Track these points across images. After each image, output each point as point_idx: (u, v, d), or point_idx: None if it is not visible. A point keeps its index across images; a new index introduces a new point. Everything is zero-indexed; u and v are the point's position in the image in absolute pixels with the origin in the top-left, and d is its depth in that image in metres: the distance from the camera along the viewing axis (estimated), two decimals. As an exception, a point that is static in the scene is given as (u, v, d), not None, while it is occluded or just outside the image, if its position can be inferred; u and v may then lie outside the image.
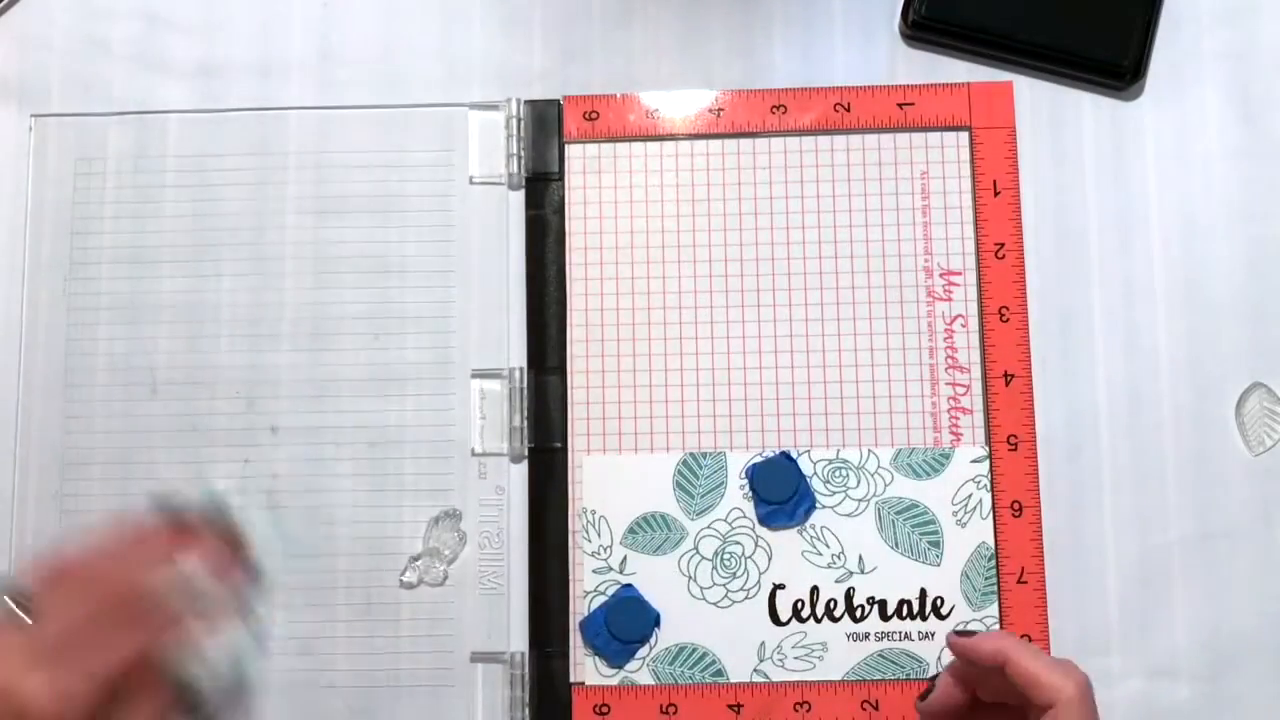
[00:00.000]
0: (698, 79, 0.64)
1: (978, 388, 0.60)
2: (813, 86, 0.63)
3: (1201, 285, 0.62)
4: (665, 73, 0.64)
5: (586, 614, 0.59)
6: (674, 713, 0.58)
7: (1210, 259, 0.62)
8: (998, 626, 0.59)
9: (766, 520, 0.59)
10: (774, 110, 0.63)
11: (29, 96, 0.65)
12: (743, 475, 0.59)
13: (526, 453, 0.61)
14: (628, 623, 0.58)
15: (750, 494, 0.59)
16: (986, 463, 0.59)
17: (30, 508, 0.62)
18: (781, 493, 0.59)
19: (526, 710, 0.59)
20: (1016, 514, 0.59)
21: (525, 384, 0.61)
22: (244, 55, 0.65)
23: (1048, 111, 0.63)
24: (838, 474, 0.60)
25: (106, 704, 0.43)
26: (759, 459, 0.59)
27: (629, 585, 0.59)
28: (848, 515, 0.59)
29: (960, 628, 0.58)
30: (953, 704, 0.51)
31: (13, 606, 0.45)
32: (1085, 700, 0.48)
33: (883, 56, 0.64)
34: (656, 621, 0.59)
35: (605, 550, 0.60)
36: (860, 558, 0.59)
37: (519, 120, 0.63)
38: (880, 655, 0.58)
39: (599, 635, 0.59)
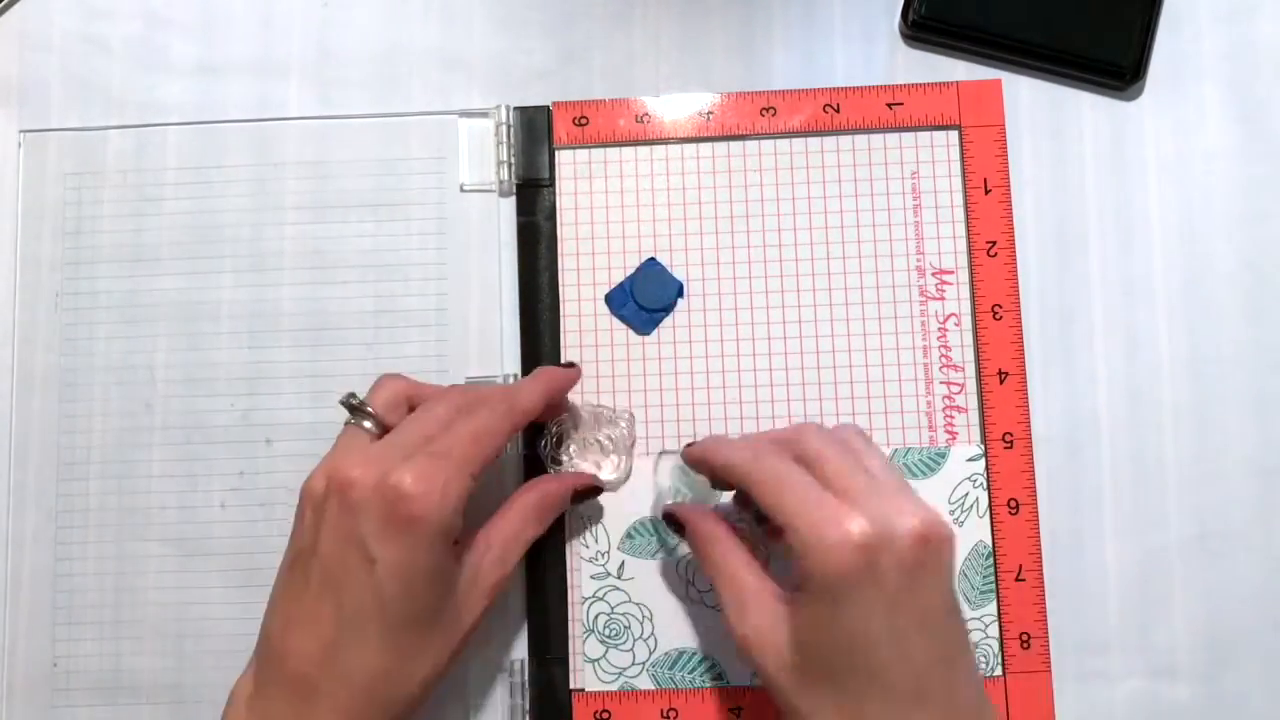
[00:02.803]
0: (697, 80, 0.70)
1: (972, 386, 0.66)
2: (813, 87, 0.69)
3: (1201, 285, 0.67)
4: (665, 74, 0.70)
5: (610, 288, 0.67)
6: (674, 717, 0.64)
7: (1210, 259, 0.67)
8: (996, 627, 0.64)
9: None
10: (764, 112, 0.68)
11: (29, 96, 0.70)
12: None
13: (521, 457, 0.66)
14: (652, 290, 0.66)
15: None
16: (982, 461, 0.65)
17: (28, 508, 0.67)
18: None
19: (527, 717, 0.64)
20: (1013, 512, 0.65)
21: None
22: (244, 55, 0.70)
23: (1047, 111, 0.69)
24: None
25: (474, 490, 0.55)
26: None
27: (653, 259, 0.67)
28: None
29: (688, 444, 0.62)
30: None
31: (354, 414, 0.58)
32: (777, 452, 0.54)
33: (882, 57, 0.70)
34: (680, 291, 0.66)
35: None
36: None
37: (509, 127, 0.68)
38: None
39: (625, 305, 0.66)
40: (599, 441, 0.65)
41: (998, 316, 0.67)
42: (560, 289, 0.68)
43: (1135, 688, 0.65)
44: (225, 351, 0.68)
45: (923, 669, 0.51)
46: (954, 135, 0.68)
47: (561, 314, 0.68)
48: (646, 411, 0.67)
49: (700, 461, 0.60)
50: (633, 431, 0.66)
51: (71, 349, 0.68)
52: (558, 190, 0.69)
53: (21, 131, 0.70)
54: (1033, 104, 0.69)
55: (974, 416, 0.66)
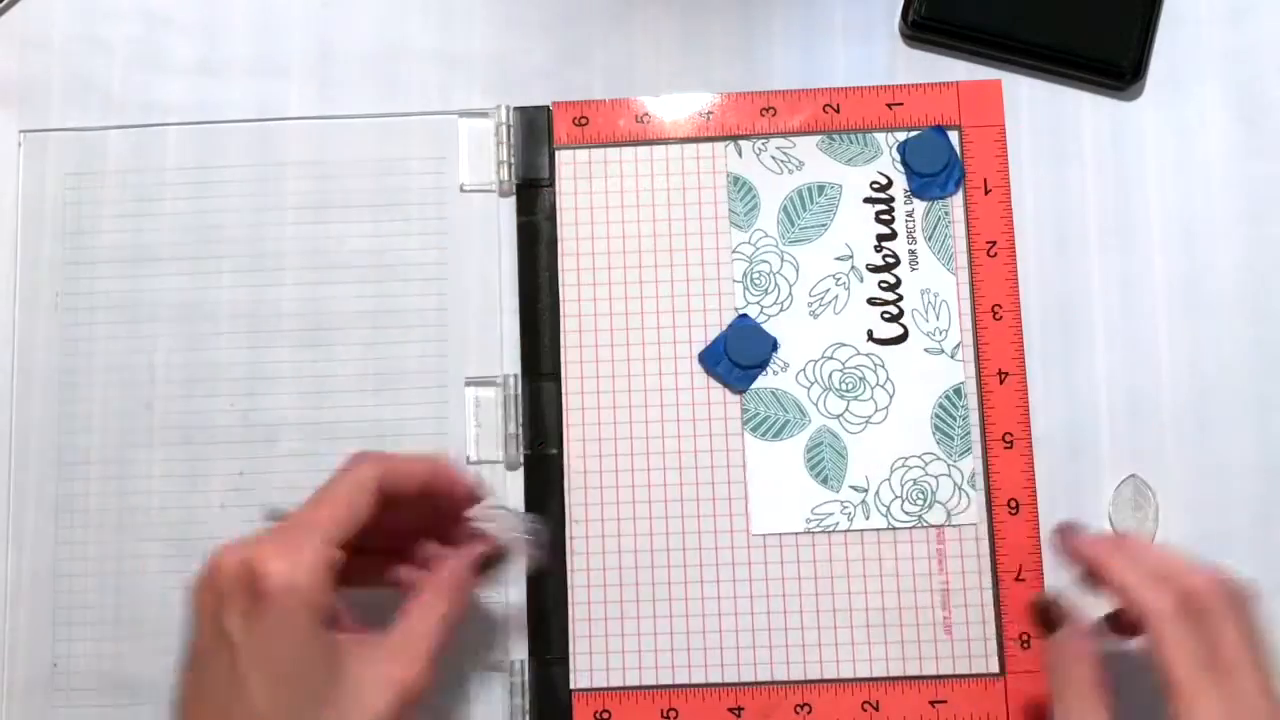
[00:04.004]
0: (698, 80, 0.70)
1: (971, 385, 0.67)
2: (813, 87, 0.69)
3: (1201, 285, 0.67)
4: (665, 74, 0.70)
5: (705, 345, 0.67)
6: (674, 716, 0.64)
7: (1210, 259, 0.67)
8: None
9: (919, 192, 0.68)
10: (764, 112, 0.69)
11: (29, 96, 0.71)
12: (895, 151, 0.68)
13: (522, 460, 0.67)
14: (747, 347, 0.66)
15: (901, 166, 0.68)
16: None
17: (28, 508, 0.67)
18: (933, 164, 0.68)
19: (527, 717, 0.64)
20: (1013, 512, 0.65)
21: (520, 391, 0.67)
22: (244, 55, 0.71)
23: (1047, 111, 0.69)
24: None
25: (347, 569, 0.52)
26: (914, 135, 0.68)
27: (744, 315, 0.67)
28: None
29: (1066, 522, 0.59)
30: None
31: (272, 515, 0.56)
32: (1182, 617, 0.51)
33: (883, 57, 0.70)
34: (774, 346, 0.67)
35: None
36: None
37: (509, 127, 0.69)
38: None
39: (720, 363, 0.66)
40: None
41: (998, 316, 0.67)
42: (560, 289, 0.68)
43: (1135, 687, 0.65)
44: (225, 351, 0.69)
45: None
46: (954, 135, 0.69)
47: (561, 314, 0.68)
48: (647, 412, 0.68)
49: (1082, 559, 0.57)
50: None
51: (71, 349, 0.69)
52: (558, 190, 0.69)
53: (21, 131, 0.71)
54: (1033, 104, 0.70)
55: (974, 417, 0.67)
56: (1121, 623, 0.58)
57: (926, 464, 0.66)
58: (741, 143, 0.69)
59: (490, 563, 0.60)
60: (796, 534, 0.66)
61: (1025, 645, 0.65)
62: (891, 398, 0.67)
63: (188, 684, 0.52)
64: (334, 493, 0.54)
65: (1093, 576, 0.56)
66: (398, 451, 0.59)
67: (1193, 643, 0.51)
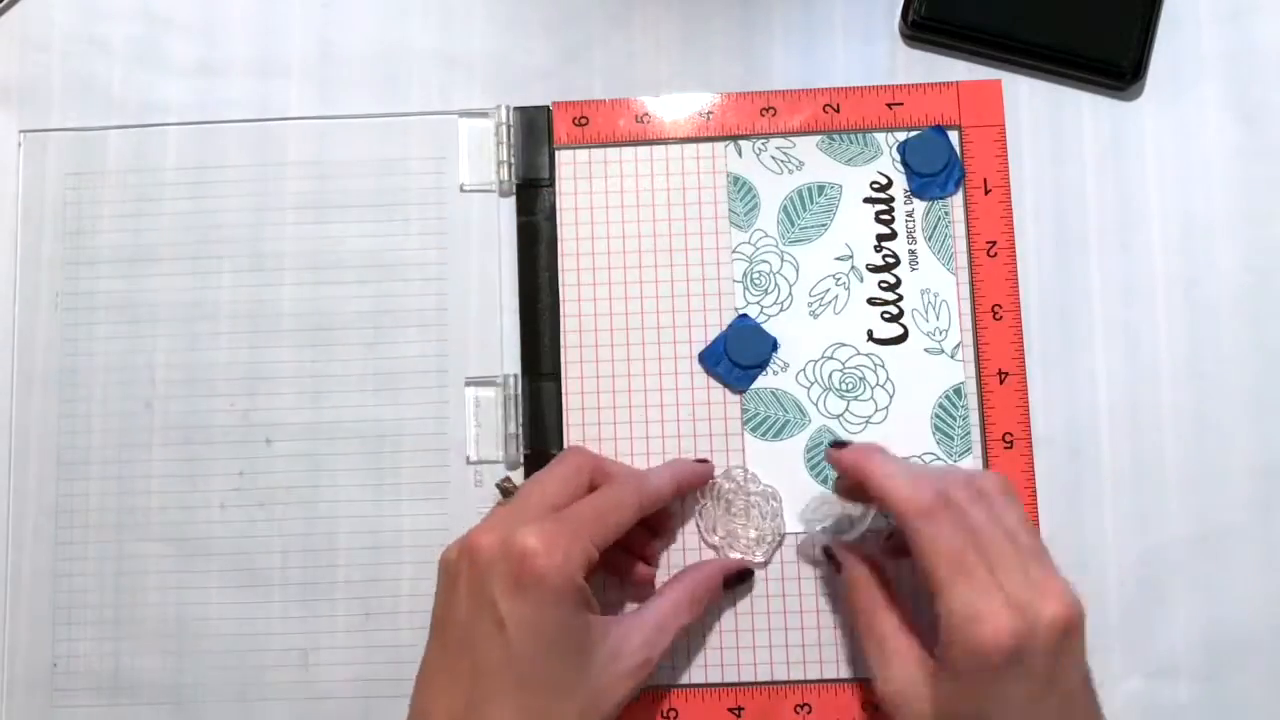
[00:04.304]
0: (698, 80, 0.70)
1: (971, 385, 0.67)
2: (813, 87, 0.69)
3: (1201, 285, 0.67)
4: (665, 74, 0.70)
5: (705, 345, 0.67)
6: (674, 716, 0.64)
7: (1210, 259, 0.67)
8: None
9: (919, 192, 0.68)
10: (764, 112, 0.69)
11: (29, 96, 0.71)
12: (895, 151, 0.68)
13: (522, 460, 0.67)
14: (747, 348, 0.67)
15: (901, 166, 0.68)
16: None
17: (28, 508, 0.68)
18: (933, 164, 0.68)
19: None
20: None
21: (520, 390, 0.67)
22: (244, 55, 0.71)
23: (1047, 111, 0.69)
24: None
25: (596, 563, 0.57)
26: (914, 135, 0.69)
27: (744, 315, 0.68)
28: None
29: (834, 442, 0.64)
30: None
31: (503, 496, 0.62)
32: (934, 512, 0.55)
33: (883, 57, 0.70)
34: (774, 347, 0.67)
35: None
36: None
37: (509, 127, 0.69)
38: None
39: (720, 363, 0.67)
40: (747, 526, 0.66)
41: (998, 316, 0.67)
42: (560, 289, 0.68)
43: (1135, 688, 0.65)
44: (225, 351, 0.69)
45: None
46: (954, 135, 0.69)
47: (561, 314, 0.68)
48: (647, 412, 0.68)
49: (851, 470, 0.60)
50: (780, 512, 0.67)
51: (71, 349, 0.69)
52: (558, 190, 0.69)
53: (21, 131, 0.71)
54: (1033, 104, 0.70)
55: (974, 416, 0.67)
56: (895, 544, 0.63)
57: (926, 464, 0.66)
58: (741, 143, 0.69)
59: (735, 580, 0.65)
60: (797, 534, 0.66)
61: (1025, 645, 0.65)
62: (891, 398, 0.67)
63: (439, 645, 0.57)
64: (600, 501, 0.59)
65: (857, 484, 0.60)
66: (639, 470, 0.65)
67: (949, 535, 0.55)
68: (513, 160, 0.70)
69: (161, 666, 0.67)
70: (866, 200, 0.69)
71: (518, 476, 0.67)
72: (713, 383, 0.67)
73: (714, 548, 0.66)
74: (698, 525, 0.66)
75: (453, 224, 0.69)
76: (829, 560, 0.64)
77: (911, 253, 0.68)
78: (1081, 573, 0.65)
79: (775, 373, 0.67)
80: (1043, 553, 0.57)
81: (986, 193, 0.68)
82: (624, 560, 0.65)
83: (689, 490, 0.65)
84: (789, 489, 0.67)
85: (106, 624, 0.67)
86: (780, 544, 0.66)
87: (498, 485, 0.62)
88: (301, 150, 0.70)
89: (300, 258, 0.69)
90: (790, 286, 0.68)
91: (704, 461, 0.66)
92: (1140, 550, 0.66)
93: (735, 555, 0.66)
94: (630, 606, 0.65)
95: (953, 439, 0.66)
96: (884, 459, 0.59)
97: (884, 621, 0.59)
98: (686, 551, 0.67)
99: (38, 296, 0.69)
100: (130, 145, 0.70)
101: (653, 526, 0.66)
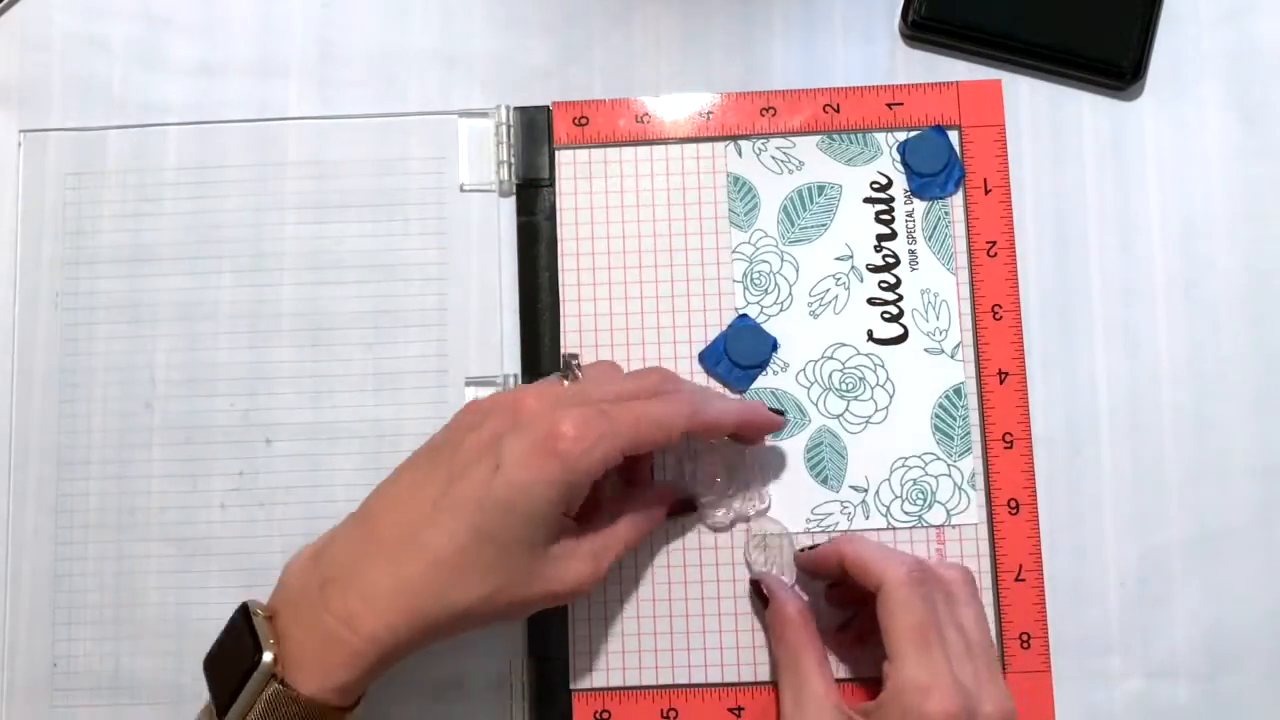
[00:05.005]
0: (698, 80, 0.70)
1: (972, 385, 0.67)
2: (813, 87, 0.69)
3: (1201, 285, 0.67)
4: (665, 73, 0.70)
5: (705, 345, 0.67)
6: (674, 717, 0.64)
7: (1210, 259, 0.68)
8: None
9: (919, 192, 0.68)
10: (764, 112, 0.69)
11: (29, 96, 0.71)
12: (895, 151, 0.69)
13: None
14: (747, 347, 0.67)
15: (901, 166, 0.69)
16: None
17: (28, 508, 0.68)
18: (933, 164, 0.68)
19: (527, 717, 0.65)
20: (1013, 512, 0.65)
21: None
22: (244, 55, 0.71)
23: (1047, 111, 0.69)
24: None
25: (625, 458, 0.58)
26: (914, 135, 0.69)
27: (744, 315, 0.68)
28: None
29: (803, 548, 0.65)
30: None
31: (564, 369, 0.61)
32: (911, 583, 0.58)
33: (883, 57, 0.70)
34: (774, 346, 0.67)
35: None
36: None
37: (509, 127, 0.69)
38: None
39: (720, 363, 0.67)
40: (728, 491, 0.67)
41: (998, 316, 0.67)
42: (560, 289, 0.68)
43: (1135, 688, 0.65)
44: (225, 351, 0.69)
45: None
46: (954, 135, 0.69)
47: (561, 314, 0.68)
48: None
49: (829, 556, 0.63)
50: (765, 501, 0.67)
51: (71, 349, 0.69)
52: (558, 190, 0.69)
53: (21, 131, 0.71)
54: (1033, 104, 0.70)
55: (974, 416, 0.67)
56: (839, 595, 0.65)
57: (926, 464, 0.66)
58: (741, 143, 0.69)
59: (678, 510, 0.66)
60: (797, 534, 0.66)
61: (1025, 645, 0.65)
62: (891, 398, 0.67)
63: (427, 460, 0.59)
64: (650, 411, 0.59)
65: (831, 570, 0.63)
66: (714, 395, 0.66)
67: (918, 607, 0.58)
68: (513, 160, 0.70)
69: (161, 666, 0.67)
70: (866, 200, 0.69)
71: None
72: (713, 383, 0.67)
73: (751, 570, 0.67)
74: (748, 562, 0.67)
75: (453, 224, 0.69)
76: (755, 594, 0.66)
77: (911, 253, 0.68)
78: (1082, 573, 0.66)
79: (775, 373, 0.67)
80: (990, 652, 0.59)
81: (986, 193, 0.68)
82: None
83: (753, 433, 0.65)
84: (789, 489, 0.67)
85: (106, 624, 0.67)
86: (759, 515, 0.67)
87: (564, 356, 0.63)
88: (301, 150, 0.70)
89: (300, 258, 0.69)
90: (790, 286, 0.68)
91: (781, 413, 0.66)
92: (1140, 550, 0.66)
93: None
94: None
95: (953, 439, 0.66)
96: (859, 539, 0.63)
97: (811, 665, 0.61)
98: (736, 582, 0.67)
99: (38, 296, 0.69)
100: (130, 145, 0.70)
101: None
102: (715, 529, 0.66)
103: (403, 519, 0.56)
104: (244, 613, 0.57)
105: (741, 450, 0.67)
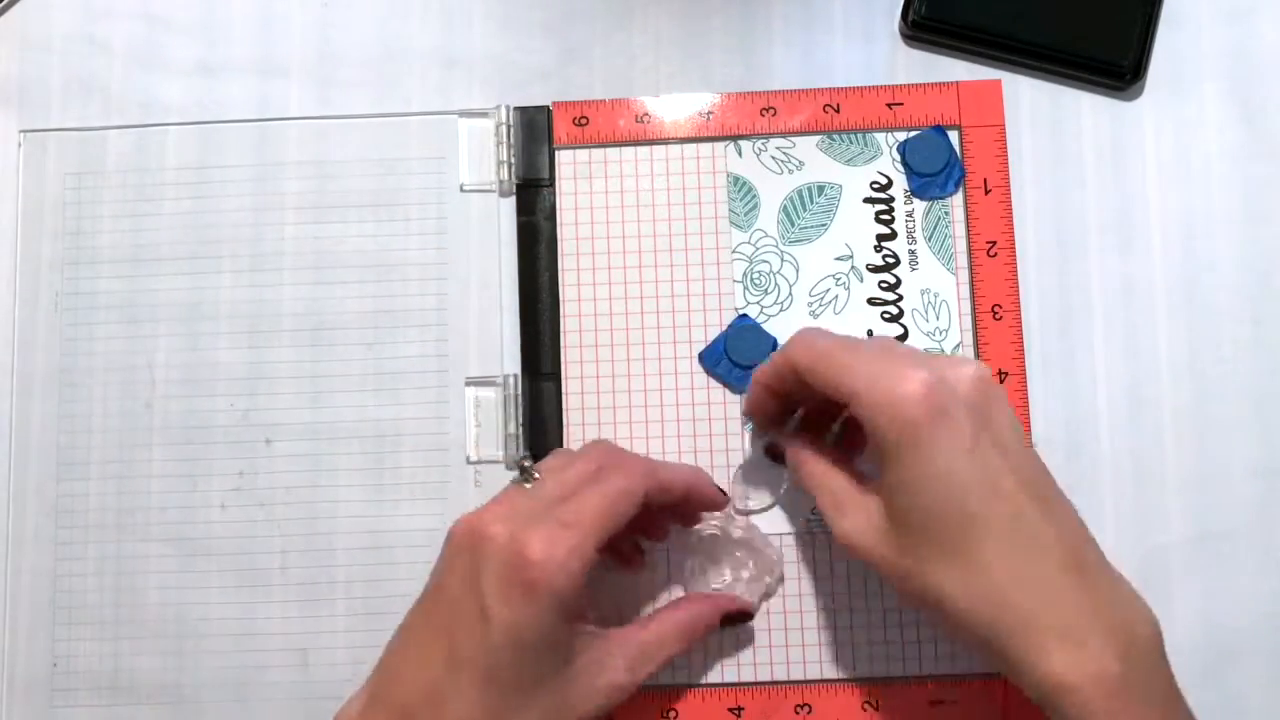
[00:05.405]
0: (698, 80, 0.70)
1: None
2: (813, 87, 0.69)
3: (1201, 285, 0.67)
4: (665, 74, 0.70)
5: (705, 345, 0.67)
6: (674, 716, 0.65)
7: (1210, 259, 0.68)
8: None
9: (919, 192, 0.68)
10: (764, 112, 0.69)
11: (29, 96, 0.71)
12: (895, 151, 0.68)
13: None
14: (747, 347, 0.67)
15: (901, 166, 0.69)
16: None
17: (28, 508, 0.68)
18: (933, 164, 0.68)
19: None
20: None
21: (520, 390, 0.67)
22: (244, 55, 0.71)
23: (1047, 111, 0.69)
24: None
25: (600, 560, 0.56)
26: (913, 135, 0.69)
27: (744, 315, 0.68)
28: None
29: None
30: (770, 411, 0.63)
31: (521, 474, 0.59)
32: (932, 421, 0.53)
33: (883, 57, 0.70)
34: (774, 347, 0.67)
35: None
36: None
37: (509, 127, 0.69)
38: None
39: (719, 363, 0.67)
40: (738, 571, 0.66)
41: (998, 316, 0.67)
42: (560, 289, 0.69)
43: (1135, 688, 0.65)
44: (225, 351, 0.69)
45: (1015, 499, 0.53)
46: (954, 135, 0.69)
47: (561, 314, 0.68)
48: (647, 412, 0.68)
49: (779, 376, 0.60)
50: (779, 568, 0.67)
51: (71, 349, 0.69)
52: (558, 190, 0.69)
53: (21, 131, 0.71)
54: (1033, 104, 0.70)
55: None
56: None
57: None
58: (741, 143, 0.69)
59: (733, 620, 0.65)
60: (797, 534, 0.67)
61: (1025, 645, 0.65)
62: (892, 398, 0.67)
63: (424, 612, 0.58)
64: (606, 496, 0.57)
65: (788, 388, 0.60)
66: (659, 460, 0.64)
67: (962, 466, 0.54)
68: (513, 160, 0.70)
69: (161, 666, 0.67)
70: (866, 200, 0.69)
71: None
72: (713, 383, 0.67)
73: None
74: (692, 569, 0.66)
75: (453, 224, 0.70)
76: (771, 458, 0.65)
77: (911, 253, 0.68)
78: (1081, 573, 0.65)
79: (775, 373, 0.67)
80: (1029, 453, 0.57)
81: (986, 193, 0.68)
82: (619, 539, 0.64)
83: (698, 498, 0.64)
84: (789, 489, 0.67)
85: (106, 624, 0.67)
86: (779, 584, 0.66)
87: (516, 462, 0.62)
88: (301, 150, 0.70)
89: (300, 258, 0.69)
90: (790, 286, 0.68)
91: (723, 492, 0.65)
92: (1140, 550, 0.66)
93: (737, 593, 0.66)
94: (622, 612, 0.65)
95: (953, 439, 0.66)
96: (815, 335, 0.59)
97: (829, 474, 0.59)
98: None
99: (38, 296, 0.69)
100: (130, 145, 0.70)
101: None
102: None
103: (421, 684, 0.56)
104: None
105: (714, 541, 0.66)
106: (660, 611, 0.63)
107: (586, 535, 0.56)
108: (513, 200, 0.70)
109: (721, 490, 0.65)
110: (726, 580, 0.66)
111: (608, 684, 0.58)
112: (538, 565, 0.54)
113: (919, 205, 0.68)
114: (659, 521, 0.65)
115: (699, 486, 0.63)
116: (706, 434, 0.68)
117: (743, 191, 0.69)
